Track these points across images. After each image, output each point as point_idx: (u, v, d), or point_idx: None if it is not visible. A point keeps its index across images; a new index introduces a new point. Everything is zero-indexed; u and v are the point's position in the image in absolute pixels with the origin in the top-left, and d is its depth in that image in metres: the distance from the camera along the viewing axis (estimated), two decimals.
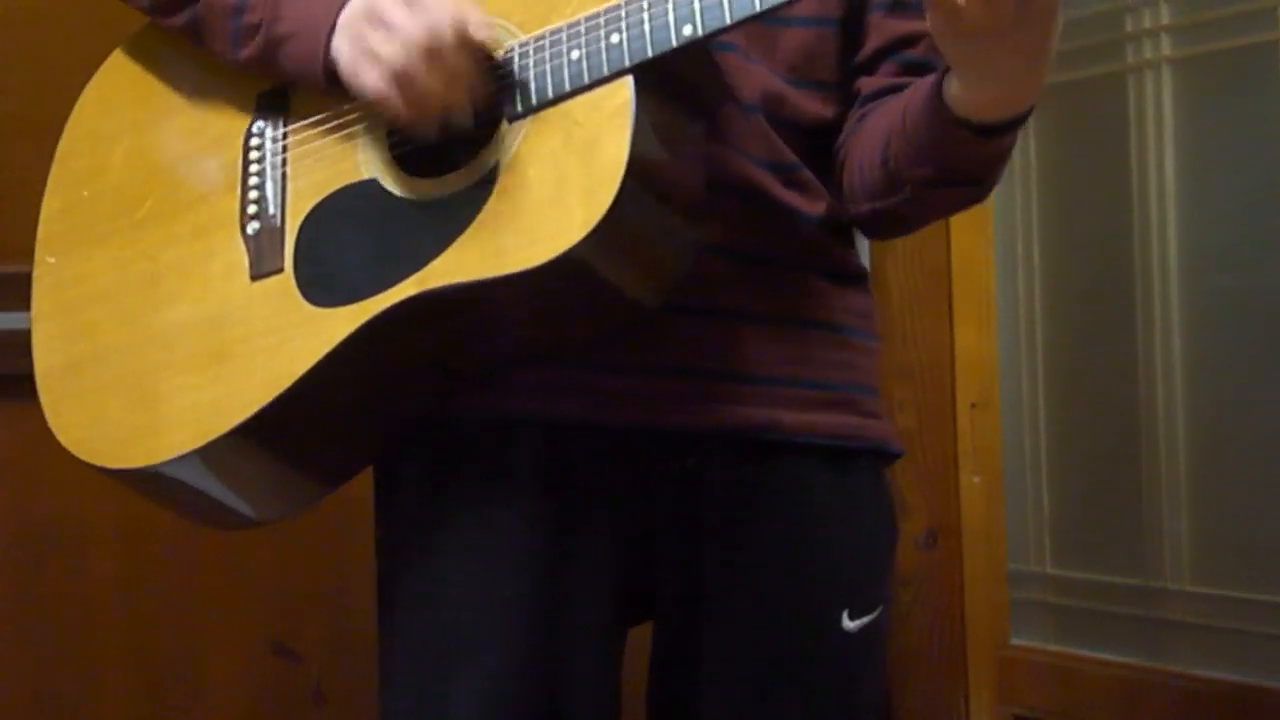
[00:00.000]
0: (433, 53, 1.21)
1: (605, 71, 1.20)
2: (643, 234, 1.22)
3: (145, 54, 1.46)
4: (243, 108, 1.39)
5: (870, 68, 1.36)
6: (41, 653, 2.19)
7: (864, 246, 2.82)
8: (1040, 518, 2.64)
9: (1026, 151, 2.64)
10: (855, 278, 1.40)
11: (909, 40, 1.35)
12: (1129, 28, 2.47)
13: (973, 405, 2.68)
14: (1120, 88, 2.47)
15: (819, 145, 1.36)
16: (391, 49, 1.21)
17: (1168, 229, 2.41)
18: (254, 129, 1.37)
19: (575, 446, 1.32)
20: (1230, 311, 2.37)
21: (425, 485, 1.37)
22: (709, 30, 1.18)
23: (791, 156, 1.33)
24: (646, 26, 1.19)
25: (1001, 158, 1.26)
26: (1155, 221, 2.43)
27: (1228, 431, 2.37)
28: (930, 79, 1.24)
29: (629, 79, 1.19)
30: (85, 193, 1.45)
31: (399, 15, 1.22)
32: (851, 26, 1.36)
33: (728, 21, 1.17)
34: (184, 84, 1.43)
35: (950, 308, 2.69)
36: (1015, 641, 2.67)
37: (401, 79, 1.22)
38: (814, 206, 1.34)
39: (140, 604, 2.25)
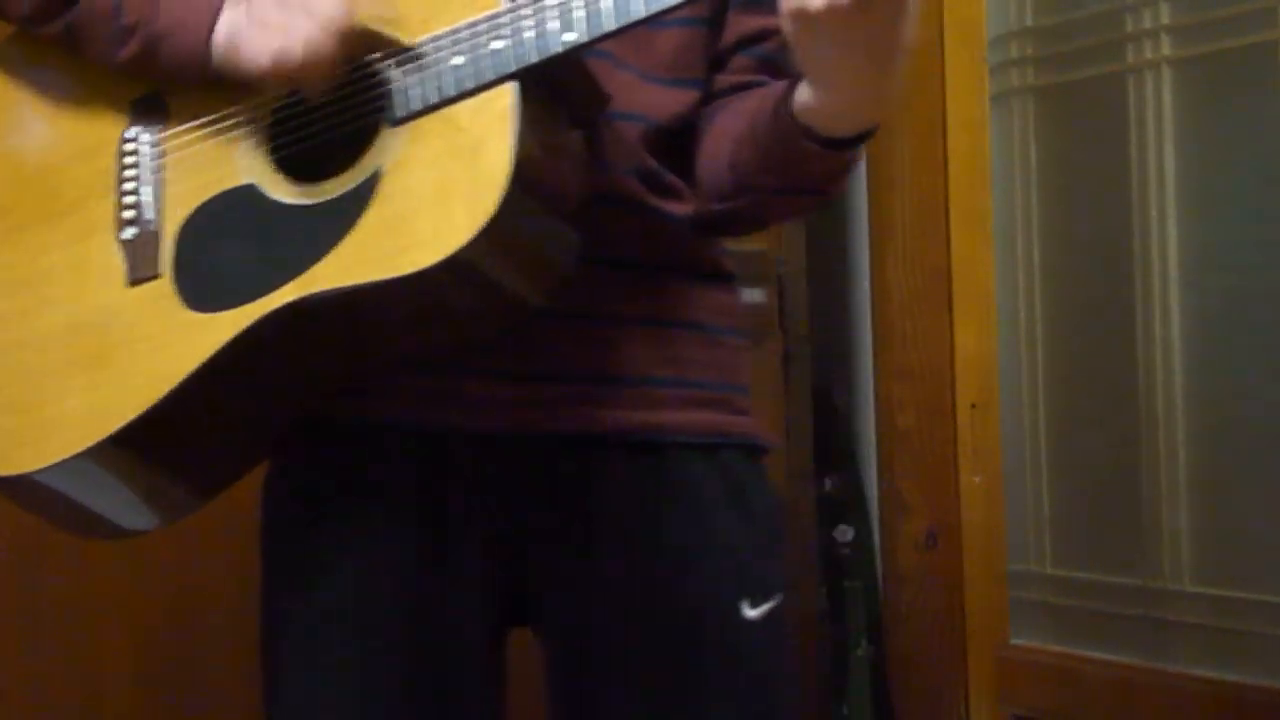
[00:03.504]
0: (334, 26, 1.22)
1: (488, 77, 1.21)
2: (527, 236, 1.23)
3: (10, 63, 1.43)
4: (116, 114, 1.37)
5: (724, 63, 1.38)
6: (41, 654, 2.19)
7: (863, 247, 2.85)
8: (1040, 518, 2.64)
9: (1027, 151, 2.64)
10: (723, 277, 1.42)
11: (761, 35, 1.36)
12: (1129, 28, 2.47)
13: (973, 405, 2.68)
14: (1120, 88, 2.47)
15: (686, 146, 1.38)
16: (290, 17, 1.23)
17: (1168, 229, 2.42)
18: (128, 135, 1.36)
19: (453, 455, 1.33)
20: (1230, 311, 2.37)
21: (302, 497, 1.38)
22: (592, 36, 1.19)
23: (657, 164, 1.34)
24: (530, 33, 1.20)
25: (846, 169, 1.28)
26: (1155, 221, 2.43)
27: (1228, 431, 2.37)
28: (779, 87, 1.26)
29: (512, 84, 1.20)
30: None
31: None
32: (716, 25, 1.37)
33: (612, 27, 1.18)
34: (52, 92, 1.41)
35: (950, 308, 2.69)
36: (1015, 642, 2.67)
37: (307, 49, 1.23)
38: (681, 208, 1.36)
39: (140, 605, 2.25)
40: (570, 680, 1.37)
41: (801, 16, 1.13)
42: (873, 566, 2.80)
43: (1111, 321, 2.51)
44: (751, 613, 1.35)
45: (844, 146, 1.23)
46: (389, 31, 1.26)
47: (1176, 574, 2.42)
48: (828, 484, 2.81)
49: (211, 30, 1.28)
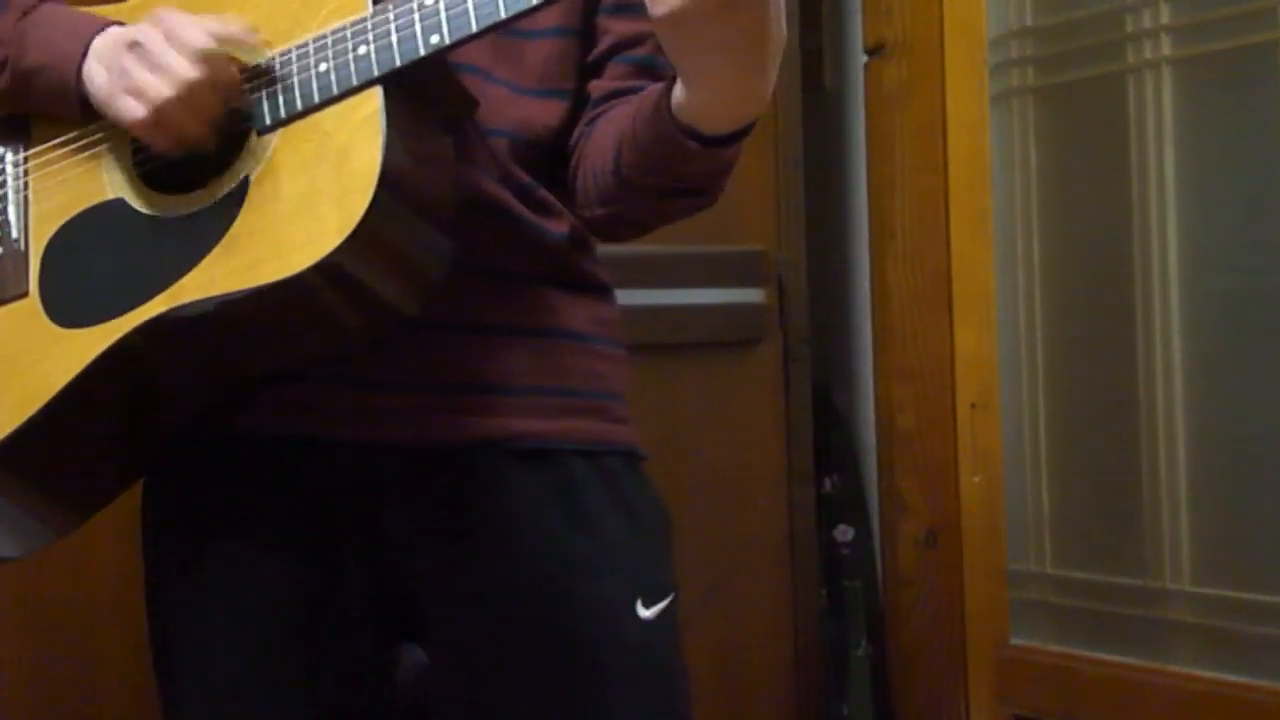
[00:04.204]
0: (193, 97, 1.23)
1: (354, 82, 1.21)
2: (398, 240, 1.23)
3: None
4: None
5: (599, 70, 1.38)
6: (41, 653, 2.19)
7: (863, 247, 2.85)
8: (1040, 518, 2.64)
9: (1027, 151, 2.64)
10: (598, 289, 1.42)
11: (635, 40, 1.36)
12: (1129, 28, 2.47)
13: (973, 406, 2.68)
14: (1120, 88, 2.47)
15: (561, 160, 1.38)
16: (155, 88, 1.23)
17: (1168, 229, 2.42)
18: None
19: (337, 466, 1.33)
20: (1230, 312, 2.37)
21: (179, 513, 1.38)
22: (455, 38, 1.19)
23: (529, 179, 1.35)
24: (394, 38, 1.20)
25: (727, 168, 1.28)
26: (1155, 221, 2.43)
27: (1228, 431, 2.37)
28: (659, 88, 1.26)
29: (378, 89, 1.20)
30: None
31: (158, 46, 1.23)
32: (587, 34, 1.38)
33: (474, 29, 1.18)
34: None
35: (950, 308, 2.69)
36: (1015, 642, 2.68)
37: (163, 116, 1.23)
38: (554, 224, 1.37)
39: (140, 605, 2.25)
40: (468, 692, 1.36)
41: (671, 18, 1.13)
42: (873, 566, 2.81)
43: (1111, 321, 2.51)
44: (647, 612, 1.36)
45: (723, 144, 1.23)
46: (257, 41, 1.26)
47: (1176, 574, 2.42)
48: (828, 484, 2.81)
49: (81, 68, 1.27)
